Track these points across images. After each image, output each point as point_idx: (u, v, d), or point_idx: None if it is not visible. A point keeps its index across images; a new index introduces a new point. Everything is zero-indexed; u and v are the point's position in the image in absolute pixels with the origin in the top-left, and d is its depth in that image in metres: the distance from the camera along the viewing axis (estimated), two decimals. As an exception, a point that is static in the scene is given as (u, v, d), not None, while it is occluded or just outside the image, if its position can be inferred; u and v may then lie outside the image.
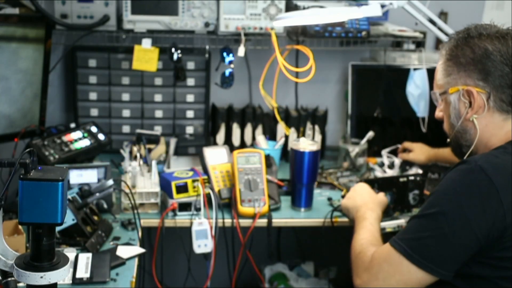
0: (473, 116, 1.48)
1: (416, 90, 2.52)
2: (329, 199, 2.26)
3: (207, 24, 2.44)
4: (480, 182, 1.33)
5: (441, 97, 1.56)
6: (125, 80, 2.61)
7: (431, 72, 1.59)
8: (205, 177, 2.11)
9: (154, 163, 2.21)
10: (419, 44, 2.74)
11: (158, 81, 2.63)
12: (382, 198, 1.96)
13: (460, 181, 1.37)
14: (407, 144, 2.54)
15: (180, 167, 2.29)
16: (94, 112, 2.62)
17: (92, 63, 2.58)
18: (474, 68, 1.46)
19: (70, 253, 1.76)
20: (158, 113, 2.66)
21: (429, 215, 1.38)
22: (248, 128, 2.63)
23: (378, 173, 2.48)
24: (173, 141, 2.51)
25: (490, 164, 1.35)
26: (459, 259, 1.36)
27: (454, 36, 1.53)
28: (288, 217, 2.14)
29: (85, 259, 1.73)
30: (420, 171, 2.37)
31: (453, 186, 1.38)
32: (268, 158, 2.29)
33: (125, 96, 2.63)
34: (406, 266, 1.39)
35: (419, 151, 2.48)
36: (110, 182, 1.94)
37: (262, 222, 2.08)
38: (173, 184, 2.05)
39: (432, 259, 1.36)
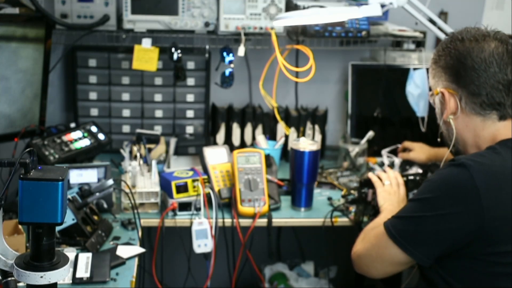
0: (449, 117, 1.54)
1: (415, 90, 2.52)
2: (329, 199, 2.26)
3: (207, 24, 2.44)
4: (462, 179, 1.38)
5: (431, 98, 1.62)
6: (125, 80, 2.61)
7: (431, 72, 1.63)
8: (205, 177, 2.12)
9: (154, 163, 2.21)
10: (419, 44, 2.74)
11: (158, 81, 2.63)
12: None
13: (446, 176, 1.42)
14: (407, 144, 2.54)
15: (180, 167, 2.29)
16: (94, 112, 2.62)
17: (92, 63, 2.58)
18: (449, 72, 1.51)
19: (70, 253, 1.76)
20: (158, 113, 2.66)
21: (418, 200, 1.47)
22: (248, 128, 2.63)
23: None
24: (173, 141, 2.51)
25: (474, 162, 1.39)
26: (435, 247, 1.43)
27: (443, 40, 1.58)
28: (288, 217, 2.14)
29: (85, 258, 1.73)
30: (420, 171, 2.37)
31: (440, 180, 1.43)
32: (268, 158, 2.29)
33: (125, 96, 2.63)
34: (385, 240, 1.50)
35: (419, 151, 2.48)
36: (110, 181, 1.94)
37: (262, 222, 2.08)
38: (173, 183, 2.05)
39: (408, 239, 1.46)
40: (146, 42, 2.42)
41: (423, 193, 1.46)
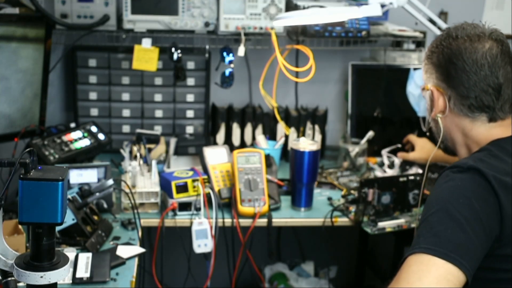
0: (437, 116, 1.51)
1: (416, 90, 2.52)
2: (329, 198, 2.26)
3: (207, 24, 2.44)
4: (478, 181, 1.32)
5: (423, 93, 1.59)
6: (125, 80, 2.61)
7: (431, 72, 1.62)
8: (205, 176, 2.11)
9: (154, 162, 2.21)
10: (419, 44, 2.74)
11: (158, 81, 2.63)
12: None
13: (457, 179, 1.34)
14: (411, 137, 2.50)
15: (180, 167, 2.29)
16: (94, 112, 2.62)
17: (92, 63, 2.58)
18: (440, 70, 1.49)
19: (70, 253, 1.76)
20: (158, 113, 2.66)
21: (437, 211, 1.29)
22: (248, 128, 2.63)
23: (378, 173, 2.48)
24: (173, 141, 2.51)
25: (482, 166, 1.34)
26: (477, 253, 1.27)
27: (437, 35, 1.55)
28: (288, 217, 2.14)
29: (85, 258, 1.73)
30: (420, 171, 2.37)
31: (452, 184, 1.33)
32: (268, 158, 2.29)
33: (125, 96, 2.63)
34: (433, 261, 1.22)
35: (421, 150, 2.45)
36: (110, 181, 1.94)
37: (262, 222, 2.08)
38: (173, 183, 2.05)
39: (455, 250, 1.23)
40: (146, 42, 2.42)
41: (447, 199, 1.30)
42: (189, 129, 2.69)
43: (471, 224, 1.26)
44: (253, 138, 2.63)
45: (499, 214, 1.30)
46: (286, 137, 2.60)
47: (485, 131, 1.47)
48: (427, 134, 1.64)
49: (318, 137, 2.65)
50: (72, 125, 2.42)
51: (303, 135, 2.64)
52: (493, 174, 1.32)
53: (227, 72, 2.45)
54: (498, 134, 1.46)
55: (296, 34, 2.51)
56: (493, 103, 1.44)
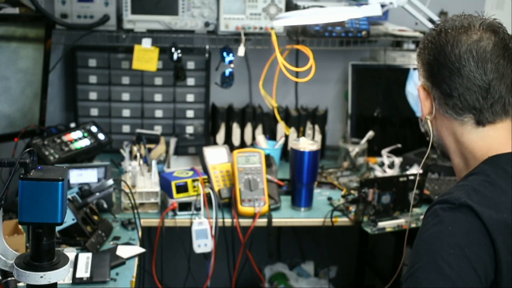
0: (426, 117, 1.38)
1: (415, 90, 2.52)
2: (329, 198, 2.26)
3: (207, 24, 2.44)
4: (468, 219, 1.17)
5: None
6: (125, 80, 2.61)
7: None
8: (205, 176, 2.12)
9: (154, 162, 2.21)
10: (419, 44, 2.74)
11: (158, 81, 2.63)
12: None
13: (447, 221, 1.19)
14: None
15: (180, 167, 2.29)
16: (94, 112, 2.62)
17: (92, 63, 2.58)
18: (426, 67, 1.35)
19: (70, 253, 1.76)
20: (158, 113, 2.66)
21: (426, 265, 1.16)
22: (248, 128, 2.63)
23: (378, 173, 2.48)
24: (173, 141, 2.51)
25: (475, 197, 1.19)
26: None
27: (427, 31, 1.43)
28: (288, 216, 2.14)
29: (85, 258, 1.73)
30: (420, 171, 2.37)
31: (441, 229, 1.18)
32: (268, 157, 2.29)
33: (125, 96, 2.63)
34: None
35: None
36: (110, 181, 1.94)
37: (262, 222, 2.08)
38: (173, 183, 2.05)
39: None
40: (146, 42, 2.42)
41: (435, 249, 1.17)
42: (189, 129, 2.69)
43: (464, 279, 1.13)
44: (253, 138, 2.63)
45: (494, 258, 1.16)
46: (286, 137, 2.60)
47: (479, 139, 1.30)
48: (427, 139, 1.46)
49: (318, 137, 2.65)
50: (72, 125, 2.42)
51: (303, 135, 2.64)
52: (488, 214, 1.16)
53: (227, 72, 2.45)
54: (495, 147, 1.28)
55: (296, 34, 2.51)
56: (479, 104, 1.27)
